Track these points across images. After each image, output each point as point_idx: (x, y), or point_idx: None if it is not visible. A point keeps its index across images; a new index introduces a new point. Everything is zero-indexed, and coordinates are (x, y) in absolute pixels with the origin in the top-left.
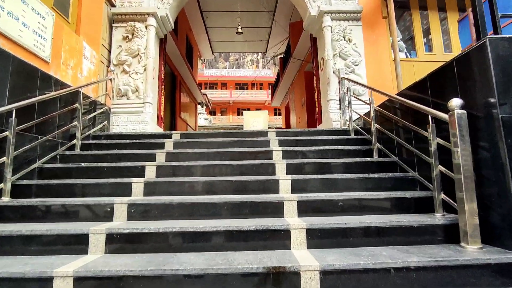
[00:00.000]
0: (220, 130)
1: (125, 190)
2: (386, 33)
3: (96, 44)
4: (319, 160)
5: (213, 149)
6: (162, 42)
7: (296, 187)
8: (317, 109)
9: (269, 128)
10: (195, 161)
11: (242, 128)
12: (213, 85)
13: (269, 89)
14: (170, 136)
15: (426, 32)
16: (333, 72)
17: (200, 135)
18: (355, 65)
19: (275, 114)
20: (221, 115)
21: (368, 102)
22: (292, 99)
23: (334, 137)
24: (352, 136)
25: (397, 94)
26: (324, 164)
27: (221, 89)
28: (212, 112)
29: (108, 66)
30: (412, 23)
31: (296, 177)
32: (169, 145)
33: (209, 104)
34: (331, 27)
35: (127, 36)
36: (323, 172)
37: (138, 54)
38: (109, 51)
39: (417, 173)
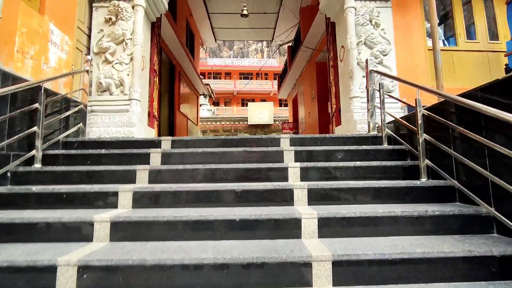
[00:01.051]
0: (223, 123)
1: (84, 235)
2: (420, 16)
3: (69, 28)
4: (351, 182)
5: (211, 165)
6: (155, 26)
7: (325, 229)
8: (333, 106)
9: (274, 120)
10: (187, 183)
11: (247, 121)
12: (216, 74)
13: (275, 79)
14: (158, 144)
15: (467, 16)
16: (357, 64)
17: (197, 143)
18: (384, 55)
19: (280, 105)
20: (225, 105)
21: (407, 102)
22: (301, 91)
23: (363, 147)
24: (385, 145)
25: (461, 96)
26: (359, 191)
27: (225, 79)
28: (215, 103)
29: (87, 55)
30: (451, 4)
31: (325, 213)
32: (155, 158)
33: (212, 95)
34: (355, 9)
35: (110, 18)
36: (360, 201)
37: (123, 40)
38: (89, 37)
39: (493, 208)
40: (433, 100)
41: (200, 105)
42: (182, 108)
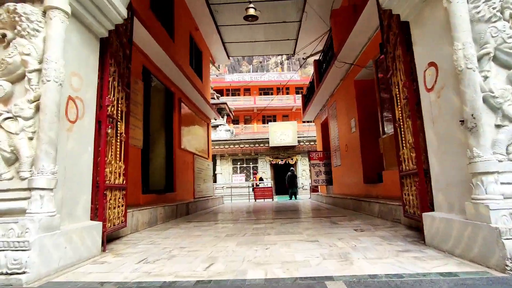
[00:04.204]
0: (242, 146)
1: None
2: None
3: None
4: None
5: None
6: (108, 45)
7: None
8: (407, 163)
9: (299, 141)
10: None
11: (268, 143)
12: (235, 91)
13: (296, 93)
14: None
15: None
16: (484, 100)
17: None
18: None
19: (304, 121)
20: (245, 123)
21: None
22: (333, 115)
23: None
24: None
25: None
26: None
27: (244, 95)
28: (235, 121)
29: None
30: None
31: None
32: None
33: (230, 114)
34: None
35: (3, 36)
36: None
37: (24, 75)
38: None
39: None
40: None
41: (217, 126)
42: (185, 143)
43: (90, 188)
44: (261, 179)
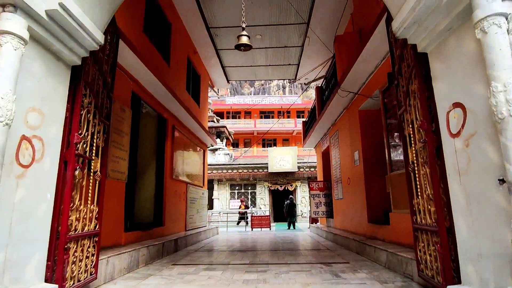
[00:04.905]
0: (241, 171)
1: None
2: None
3: None
4: None
5: None
6: (83, 73)
7: None
8: (423, 215)
9: (299, 167)
10: None
11: (267, 168)
12: (235, 114)
13: (297, 117)
14: None
15: None
16: None
17: None
18: None
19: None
20: (245, 146)
21: None
22: (335, 145)
23: None
24: None
25: None
26: None
27: (244, 118)
28: (234, 144)
29: None
30: None
31: None
32: None
33: (230, 137)
34: (508, 19)
35: None
36: None
37: None
38: None
39: None
40: None
41: (216, 150)
42: (177, 172)
43: (47, 242)
44: (246, 207)
